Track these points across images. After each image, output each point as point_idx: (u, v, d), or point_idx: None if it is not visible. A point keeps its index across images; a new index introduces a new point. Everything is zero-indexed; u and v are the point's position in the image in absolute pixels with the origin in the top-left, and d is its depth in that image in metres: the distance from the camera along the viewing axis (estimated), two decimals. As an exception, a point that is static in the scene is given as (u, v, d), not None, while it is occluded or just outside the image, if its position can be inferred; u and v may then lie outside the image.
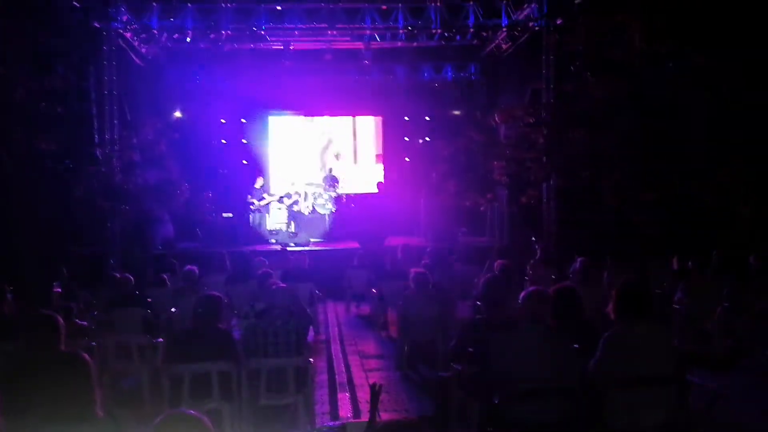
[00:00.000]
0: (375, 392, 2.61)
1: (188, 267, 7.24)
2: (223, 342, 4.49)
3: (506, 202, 12.45)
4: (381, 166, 16.07)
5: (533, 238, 10.90)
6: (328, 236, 13.61)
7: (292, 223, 13.91)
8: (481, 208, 13.19)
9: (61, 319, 3.55)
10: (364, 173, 15.91)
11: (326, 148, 15.98)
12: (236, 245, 12.25)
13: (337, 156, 15.70)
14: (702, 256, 7.00)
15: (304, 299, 7.12)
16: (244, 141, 15.52)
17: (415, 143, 15.94)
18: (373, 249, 11.23)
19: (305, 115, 15.64)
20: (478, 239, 13.21)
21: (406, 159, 15.92)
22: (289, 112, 15.60)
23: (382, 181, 15.32)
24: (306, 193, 14.59)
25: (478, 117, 13.70)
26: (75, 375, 3.30)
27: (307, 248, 12.55)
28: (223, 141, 15.37)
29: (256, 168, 15.01)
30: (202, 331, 4.53)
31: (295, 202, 14.13)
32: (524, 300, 3.83)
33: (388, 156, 16.06)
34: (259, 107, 15.19)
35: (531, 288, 3.96)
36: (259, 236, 13.46)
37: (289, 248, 11.94)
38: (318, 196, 14.41)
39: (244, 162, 15.34)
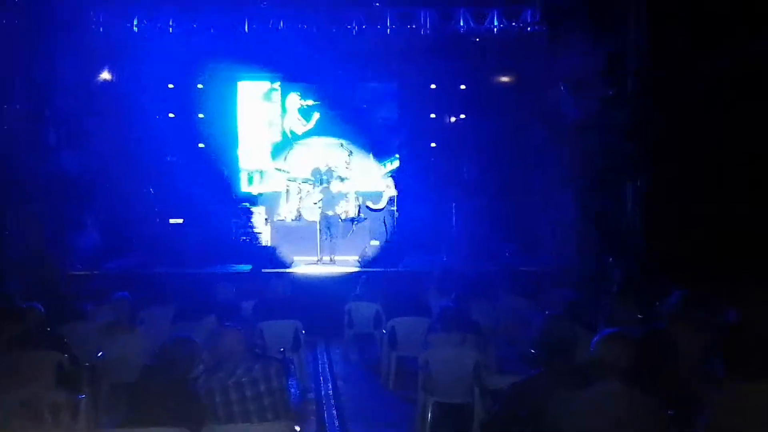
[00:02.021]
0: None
1: (119, 294, 7.48)
2: (186, 404, 4.61)
3: (573, 208, 12.62)
4: (395, 156, 16.36)
5: (611, 260, 11.15)
6: (322, 253, 14.00)
7: (269, 233, 14.65)
8: (537, 218, 13.66)
9: None
10: (371, 165, 16.34)
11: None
12: (189, 265, 12.66)
13: (341, 144, 16.08)
14: None
15: (284, 342, 7.33)
16: (201, 116, 15.86)
17: (443, 122, 16.24)
18: (383, 272, 11.66)
19: (287, 81, 16.11)
20: (531, 261, 13.43)
21: (432, 145, 16.21)
22: (265, 74, 15.98)
23: (394, 176, 15.75)
24: (288, 192, 15.18)
25: (534, 86, 13.96)
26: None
27: (289, 270, 12.82)
28: (171, 115, 15.68)
29: (218, 156, 15.64)
30: (156, 387, 4.67)
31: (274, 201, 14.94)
32: (598, 347, 3.90)
33: (405, 140, 16.29)
34: (223, 68, 15.37)
35: (608, 330, 4.03)
36: (222, 251, 13.87)
37: (264, 270, 12.27)
38: (306, 196, 14.86)
39: (201, 146, 15.67)
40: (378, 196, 15.44)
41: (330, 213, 14.25)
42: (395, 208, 14.77)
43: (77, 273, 11.86)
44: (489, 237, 13.77)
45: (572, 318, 5.50)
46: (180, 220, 14.33)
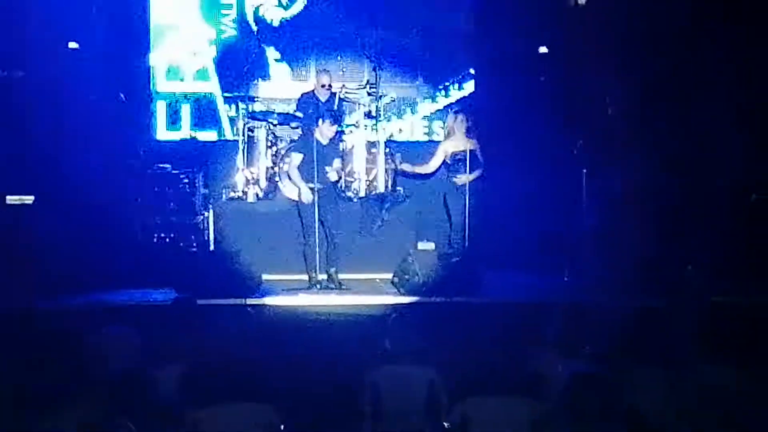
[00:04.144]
0: None
1: None
2: None
3: None
4: (465, 75, 15.84)
5: None
6: (320, 267, 12.88)
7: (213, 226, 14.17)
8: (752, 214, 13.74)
9: None
10: (415, 91, 16.01)
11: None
12: (45, 291, 11.71)
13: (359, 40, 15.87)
14: None
15: None
16: None
17: (566, 8, 15.31)
18: (443, 306, 11.39)
19: None
20: (745, 290, 12.50)
21: (542, 50, 15.44)
22: None
23: (463, 115, 13.66)
24: (251, 142, 14.21)
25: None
26: None
27: (254, 302, 12.00)
28: None
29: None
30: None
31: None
32: None
33: (486, 45, 15.66)
34: None
35: None
36: (117, 263, 13.02)
37: (202, 302, 10.81)
38: (287, 152, 13.92)
39: (72, 46, 14.71)
40: (428, 151, 13.87)
41: (334, 184, 13.08)
42: (467, 176, 13.02)
43: None
44: (660, 244, 12.95)
45: None
46: (27, 199, 13.18)
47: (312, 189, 12.87)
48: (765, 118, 13.90)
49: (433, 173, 13.64)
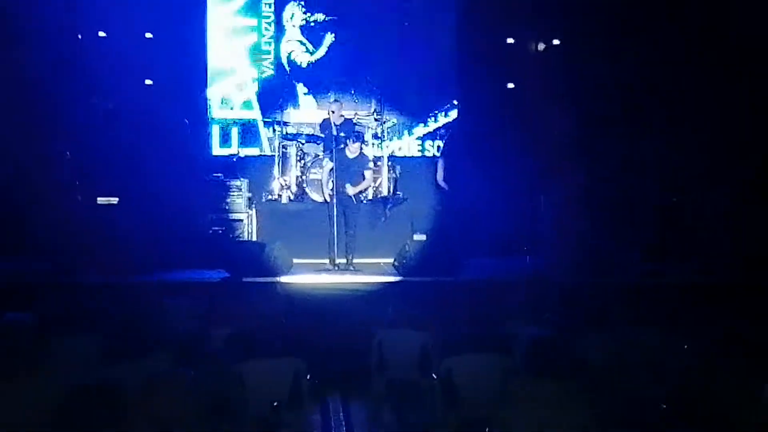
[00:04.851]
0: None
1: (14, 315, 7.65)
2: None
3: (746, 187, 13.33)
4: (451, 104, 16.74)
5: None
6: (338, 253, 14.00)
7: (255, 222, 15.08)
8: (678, 205, 14.57)
9: None
10: (413, 116, 16.80)
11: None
12: (127, 271, 12.67)
13: (368, 81, 16.36)
14: None
15: (277, 393, 7.26)
16: (149, 36, 15.94)
17: (526, 51, 16.52)
18: (434, 284, 12.13)
19: None
20: (669, 270, 13.63)
21: (509, 86, 16.37)
22: None
23: (449, 135, 16.08)
24: (284, 156, 15.41)
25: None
26: None
27: (286, 281, 13.01)
28: (102, 34, 15.77)
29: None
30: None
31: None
32: None
33: (467, 79, 16.63)
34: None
35: None
36: (180, 249, 14.03)
37: (247, 280, 12.57)
38: (312, 163, 15.29)
39: (147, 83, 15.87)
40: (421, 164, 16.06)
41: (349, 190, 14.08)
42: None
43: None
44: (600, 232, 13.87)
45: (729, 359, 6.03)
46: (113, 200, 14.29)
47: (333, 193, 14.13)
48: (682, 142, 14.86)
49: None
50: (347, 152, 14.21)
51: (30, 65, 14.37)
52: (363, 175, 14.41)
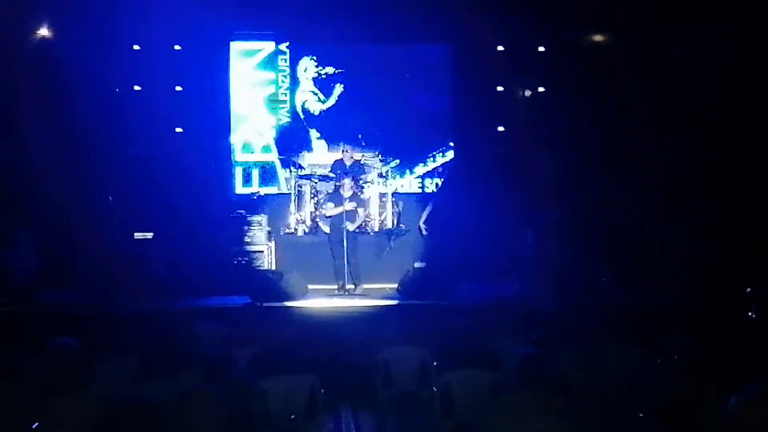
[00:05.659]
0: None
1: (60, 341, 7.59)
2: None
3: (701, 218, 13.23)
4: (447, 146, 17.09)
5: (748, 290, 11.44)
6: (347, 279, 14.32)
7: (274, 253, 15.18)
8: (648, 233, 14.32)
9: None
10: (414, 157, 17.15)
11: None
12: (160, 298, 12.77)
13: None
14: None
15: (295, 407, 7.47)
16: (178, 89, 16.30)
17: (514, 98, 16.80)
18: (432, 307, 12.14)
19: (299, 41, 16.87)
20: (639, 293, 13.78)
21: (499, 129, 16.72)
22: (268, 31, 16.82)
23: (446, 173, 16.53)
24: (300, 194, 15.73)
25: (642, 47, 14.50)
26: None
27: (301, 305, 13.25)
28: (137, 88, 16.05)
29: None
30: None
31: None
32: (741, 412, 3.99)
33: (461, 123, 16.96)
34: (211, 23, 15.72)
35: (755, 388, 4.14)
36: (208, 278, 14.04)
37: (267, 305, 12.75)
38: (325, 199, 15.28)
39: (178, 130, 16.24)
40: (418, 200, 16.27)
41: (349, 226, 14.48)
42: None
43: (3, 310, 11.99)
44: (578, 259, 13.97)
45: (697, 372, 5.67)
46: (148, 235, 14.63)
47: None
48: (650, 182, 15.18)
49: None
50: (342, 192, 14.72)
51: (75, 117, 14.65)
52: (357, 212, 14.80)
